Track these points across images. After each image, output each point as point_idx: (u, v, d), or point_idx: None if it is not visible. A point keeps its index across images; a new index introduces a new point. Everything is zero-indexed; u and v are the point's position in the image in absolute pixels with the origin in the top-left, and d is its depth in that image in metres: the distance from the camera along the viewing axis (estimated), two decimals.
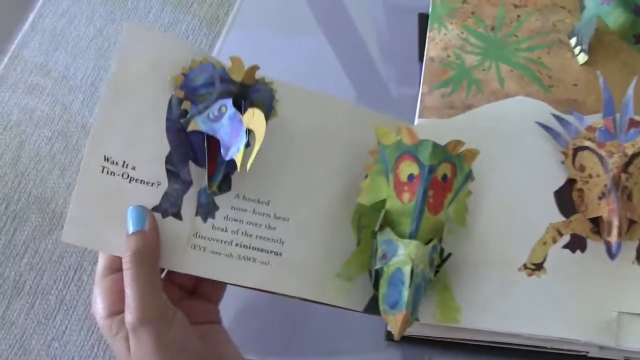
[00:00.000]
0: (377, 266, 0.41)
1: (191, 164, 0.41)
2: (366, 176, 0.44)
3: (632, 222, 0.42)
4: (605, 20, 0.50)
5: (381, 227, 0.42)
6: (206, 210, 0.41)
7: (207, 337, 0.40)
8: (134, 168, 0.40)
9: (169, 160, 0.40)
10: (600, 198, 0.43)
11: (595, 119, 0.46)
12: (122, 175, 0.39)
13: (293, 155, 0.43)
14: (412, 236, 0.40)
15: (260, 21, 0.63)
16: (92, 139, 0.39)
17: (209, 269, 0.40)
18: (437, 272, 0.43)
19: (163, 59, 0.41)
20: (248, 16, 0.62)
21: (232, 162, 0.39)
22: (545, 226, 0.44)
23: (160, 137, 0.40)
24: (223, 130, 0.40)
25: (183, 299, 0.42)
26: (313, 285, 0.42)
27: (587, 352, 0.42)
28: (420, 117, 0.48)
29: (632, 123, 0.44)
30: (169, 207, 0.40)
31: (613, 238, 0.41)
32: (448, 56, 0.51)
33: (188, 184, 0.41)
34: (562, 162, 0.45)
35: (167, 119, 0.41)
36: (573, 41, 0.50)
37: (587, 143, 0.44)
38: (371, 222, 0.43)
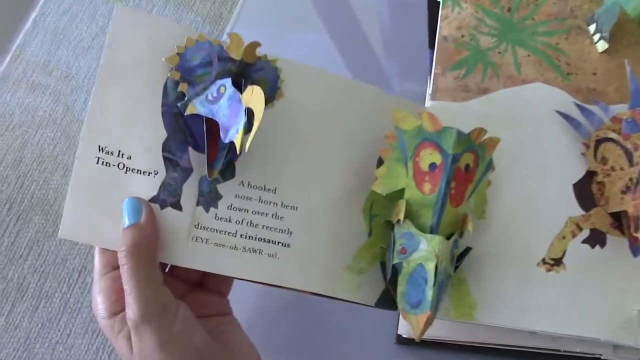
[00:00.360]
0: (395, 261, 0.39)
1: (191, 151, 0.39)
2: (380, 162, 0.41)
3: None
4: (625, 8, 0.48)
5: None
6: (208, 199, 0.38)
7: (217, 330, 0.38)
8: (129, 157, 0.38)
9: (165, 147, 0.38)
10: (623, 192, 0.41)
11: (620, 110, 0.44)
12: (118, 166, 0.38)
13: (301, 140, 0.41)
14: (433, 230, 0.38)
15: (264, 18, 0.63)
16: (85, 130, 0.38)
17: (212, 262, 0.38)
18: (456, 267, 0.40)
19: (156, 41, 0.39)
20: (251, 13, 0.62)
21: (235, 147, 0.36)
22: (564, 220, 0.42)
23: (156, 123, 0.38)
24: (222, 111, 0.37)
25: (189, 292, 0.40)
26: (323, 279, 0.40)
27: (600, 355, 0.42)
28: (433, 99, 0.46)
29: None
30: (167, 197, 0.38)
31: None
32: (462, 36, 0.48)
33: (188, 171, 0.38)
34: (582, 154, 0.43)
35: (163, 104, 0.38)
36: (592, 28, 0.48)
37: (612, 135, 0.42)
38: (383, 211, 0.41)
